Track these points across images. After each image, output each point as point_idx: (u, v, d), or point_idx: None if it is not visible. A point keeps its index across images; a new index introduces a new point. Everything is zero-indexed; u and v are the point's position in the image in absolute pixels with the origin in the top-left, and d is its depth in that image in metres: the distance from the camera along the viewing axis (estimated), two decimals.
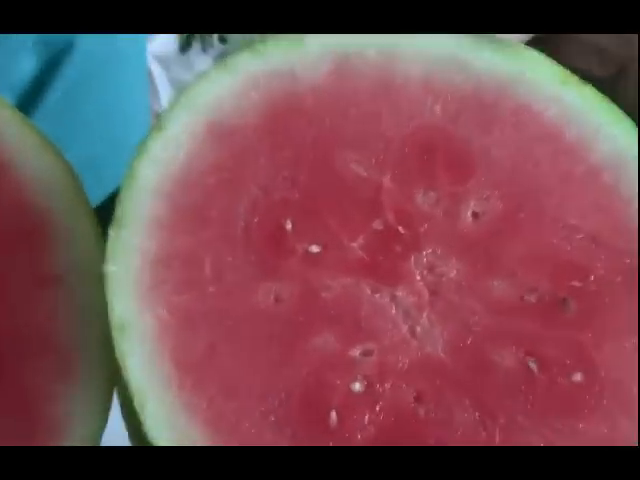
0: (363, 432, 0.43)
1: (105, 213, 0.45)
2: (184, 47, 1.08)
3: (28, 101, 0.77)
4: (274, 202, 0.45)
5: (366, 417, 0.43)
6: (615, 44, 0.65)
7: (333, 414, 0.43)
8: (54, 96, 0.79)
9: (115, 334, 0.42)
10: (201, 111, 0.45)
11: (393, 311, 0.45)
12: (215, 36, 1.07)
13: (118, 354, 0.42)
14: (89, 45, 0.77)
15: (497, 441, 0.43)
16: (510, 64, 0.47)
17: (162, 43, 1.07)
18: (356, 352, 0.44)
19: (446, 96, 0.46)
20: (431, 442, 0.43)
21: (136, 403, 0.42)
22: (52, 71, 0.76)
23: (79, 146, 0.69)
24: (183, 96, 0.45)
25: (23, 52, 0.75)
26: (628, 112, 0.46)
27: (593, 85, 0.46)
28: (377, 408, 0.43)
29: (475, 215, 0.46)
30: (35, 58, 0.76)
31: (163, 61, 1.07)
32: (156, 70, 1.06)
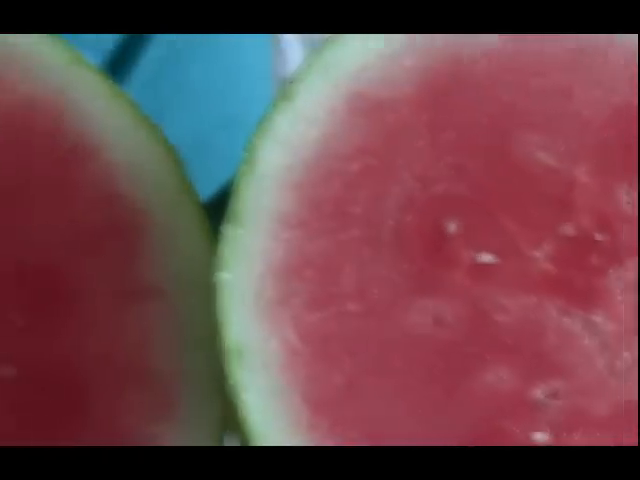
0: None
1: (216, 208, 0.42)
2: None
3: (118, 64, 0.71)
4: (434, 196, 0.41)
5: None
6: None
7: None
8: (150, 57, 0.72)
9: (230, 361, 0.39)
10: (341, 79, 0.42)
11: (586, 341, 0.40)
12: None
13: (232, 386, 0.39)
14: None
15: None
16: None
17: None
18: (538, 393, 0.40)
19: None
20: None
21: None
22: None
23: (183, 122, 0.65)
24: (318, 58, 0.42)
25: None
26: None
27: None
28: None
29: None
30: None
31: None
32: None
